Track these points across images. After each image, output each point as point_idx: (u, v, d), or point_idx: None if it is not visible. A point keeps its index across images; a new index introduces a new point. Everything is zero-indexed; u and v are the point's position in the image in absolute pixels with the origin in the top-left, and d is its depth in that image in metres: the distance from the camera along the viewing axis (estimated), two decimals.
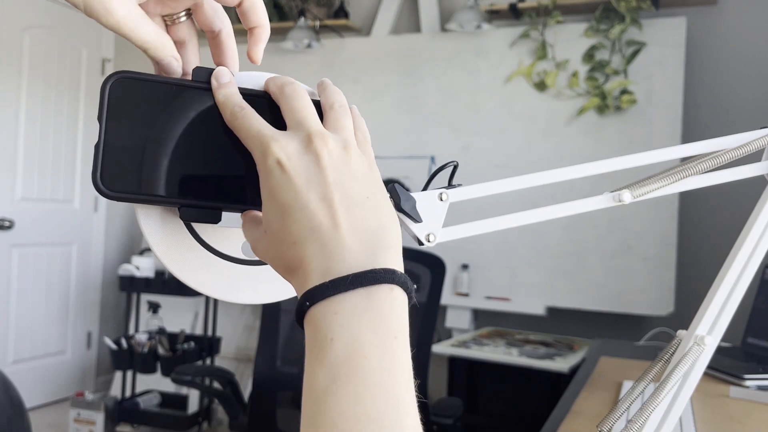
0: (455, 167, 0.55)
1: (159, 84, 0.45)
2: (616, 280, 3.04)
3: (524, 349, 2.74)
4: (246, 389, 3.20)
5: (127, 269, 3.62)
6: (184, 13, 0.51)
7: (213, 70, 0.47)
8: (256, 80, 0.49)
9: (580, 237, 3.10)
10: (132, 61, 4.06)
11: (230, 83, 0.47)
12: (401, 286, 0.40)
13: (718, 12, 3.07)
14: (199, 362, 3.49)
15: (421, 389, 2.16)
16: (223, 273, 0.50)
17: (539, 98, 3.23)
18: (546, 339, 2.98)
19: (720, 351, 1.73)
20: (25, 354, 3.72)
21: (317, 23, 3.62)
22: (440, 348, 2.70)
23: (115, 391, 3.64)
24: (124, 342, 3.44)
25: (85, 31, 4.04)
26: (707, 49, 3.08)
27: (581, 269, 3.10)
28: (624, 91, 3.05)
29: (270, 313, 2.17)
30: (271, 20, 3.85)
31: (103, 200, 4.10)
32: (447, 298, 3.23)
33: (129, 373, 3.56)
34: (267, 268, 0.51)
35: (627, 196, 0.56)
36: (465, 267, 3.26)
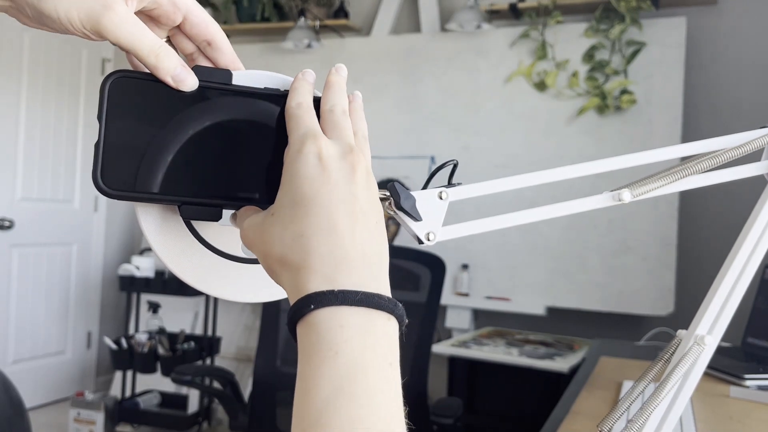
0: (455, 166, 0.55)
1: (159, 82, 0.45)
2: (616, 280, 3.04)
3: (524, 349, 2.74)
4: (246, 389, 3.20)
5: (127, 269, 3.62)
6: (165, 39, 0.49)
7: (212, 68, 0.47)
8: (258, 78, 0.49)
9: (580, 237, 3.10)
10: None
11: (310, 84, 0.48)
12: (398, 319, 0.41)
13: (718, 12, 3.07)
14: (199, 362, 3.49)
15: (421, 389, 2.17)
16: (224, 271, 0.50)
17: (539, 98, 3.23)
18: (546, 339, 2.98)
19: (720, 351, 1.73)
20: (25, 354, 3.72)
21: (317, 23, 3.62)
22: (440, 348, 2.70)
23: (115, 391, 3.64)
24: (124, 342, 3.44)
25: None
26: (707, 49, 3.08)
27: (581, 269, 3.10)
28: (624, 91, 3.05)
29: (270, 313, 2.17)
30: (271, 20, 3.87)
31: (103, 200, 4.09)
32: (447, 298, 3.23)
33: (129, 373, 3.55)
34: None
35: (627, 196, 0.56)
36: (465, 267, 3.26)
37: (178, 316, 3.76)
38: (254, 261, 0.51)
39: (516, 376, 2.66)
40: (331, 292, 0.39)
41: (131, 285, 3.63)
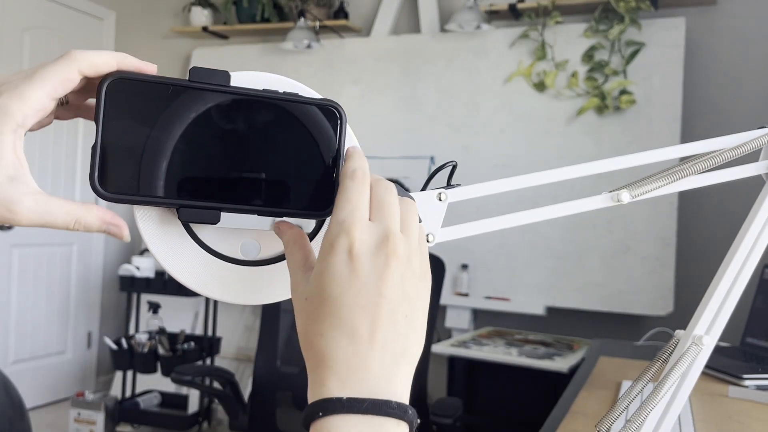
0: (454, 167, 0.55)
1: (156, 84, 0.45)
2: (616, 280, 3.04)
3: (524, 349, 2.74)
4: (246, 389, 3.20)
5: (127, 269, 3.62)
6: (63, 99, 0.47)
7: (211, 70, 0.47)
8: (257, 80, 0.49)
9: (579, 237, 3.10)
10: None
11: (360, 153, 0.48)
12: (408, 423, 0.42)
13: (717, 12, 3.08)
14: (199, 362, 3.49)
15: (421, 389, 2.17)
16: (223, 274, 0.50)
17: (539, 98, 3.23)
18: (545, 339, 2.98)
19: (719, 351, 1.73)
20: (26, 354, 3.72)
21: (317, 24, 3.63)
22: (440, 348, 2.71)
23: (116, 391, 3.64)
24: (124, 342, 3.44)
25: (85, 31, 4.05)
26: (706, 49, 3.08)
27: (581, 269, 3.11)
28: (623, 92, 3.05)
29: (270, 313, 2.17)
30: (270, 21, 3.88)
31: (102, 201, 4.09)
32: (447, 298, 3.23)
33: (129, 373, 3.56)
34: (266, 269, 0.51)
35: (626, 196, 0.56)
36: (464, 267, 3.27)
37: (178, 317, 3.77)
38: (253, 263, 0.51)
39: (515, 376, 2.66)
40: (339, 400, 0.40)
41: (131, 285, 3.63)
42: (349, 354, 0.41)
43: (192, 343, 3.47)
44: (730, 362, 1.58)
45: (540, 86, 3.22)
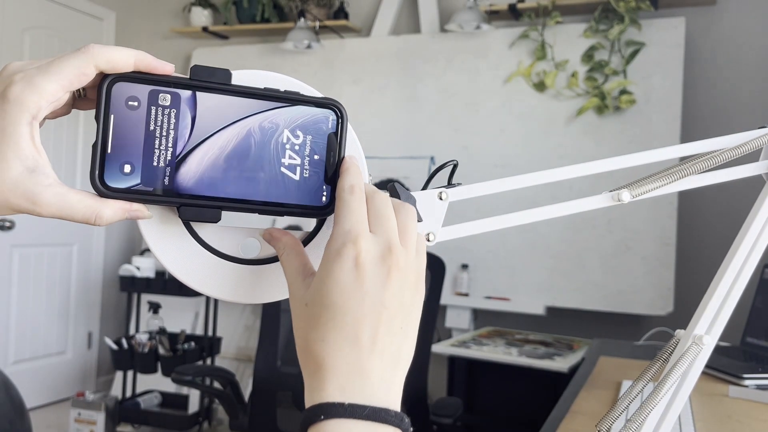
0: (455, 166, 0.55)
1: (156, 83, 0.45)
2: (616, 280, 3.04)
3: (524, 348, 2.74)
4: (246, 389, 3.21)
5: (127, 269, 3.62)
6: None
7: (212, 68, 0.47)
8: (258, 78, 0.49)
9: (579, 237, 3.10)
10: None
11: (360, 167, 0.49)
12: (403, 431, 0.43)
13: (717, 12, 3.08)
14: (200, 362, 3.49)
15: (421, 389, 2.17)
16: (223, 273, 0.50)
17: (538, 98, 3.23)
18: (545, 339, 2.98)
19: (719, 350, 1.73)
20: (26, 354, 3.72)
21: (317, 24, 3.63)
22: (440, 348, 2.71)
23: (116, 391, 3.64)
24: (124, 342, 3.44)
25: (85, 32, 4.05)
26: (706, 49, 3.08)
27: (581, 269, 3.11)
28: (623, 92, 3.05)
29: (270, 313, 2.17)
30: (270, 21, 3.88)
31: None
32: (447, 297, 3.23)
33: (129, 373, 3.56)
34: (267, 268, 0.51)
35: (626, 196, 0.56)
36: (465, 267, 3.27)
37: (178, 317, 3.77)
38: (254, 262, 0.51)
39: (516, 376, 2.66)
40: (341, 405, 0.41)
41: (132, 285, 3.63)
42: (351, 360, 0.42)
43: (192, 343, 3.47)
44: (730, 362, 1.58)
45: (540, 86, 3.22)
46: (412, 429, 0.43)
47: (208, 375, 2.60)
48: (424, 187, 0.55)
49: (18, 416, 1.06)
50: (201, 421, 3.46)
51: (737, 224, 0.63)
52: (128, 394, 3.54)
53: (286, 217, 0.54)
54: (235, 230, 0.50)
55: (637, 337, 2.37)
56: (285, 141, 0.47)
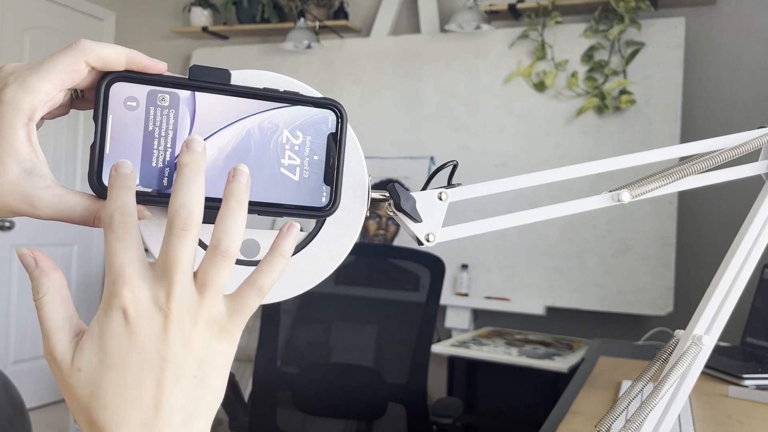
0: (455, 167, 0.55)
1: (155, 83, 0.45)
2: (616, 280, 3.04)
3: (524, 348, 2.74)
4: (246, 389, 3.20)
5: None
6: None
7: (211, 68, 0.47)
8: (257, 78, 0.49)
9: (579, 237, 3.10)
10: None
11: (127, 177, 0.41)
12: None
13: (717, 12, 3.08)
14: None
15: (421, 389, 2.17)
16: None
17: (538, 98, 3.23)
18: (545, 339, 2.98)
19: (719, 350, 1.73)
20: (26, 354, 3.72)
21: (317, 24, 3.63)
22: (440, 348, 2.71)
23: None
24: None
25: (85, 32, 4.04)
26: (706, 49, 3.08)
27: (581, 269, 3.11)
28: (623, 92, 3.05)
29: (270, 313, 2.17)
30: (270, 21, 3.88)
31: None
32: (446, 298, 3.23)
33: None
34: None
35: (626, 196, 0.56)
36: (464, 267, 3.27)
37: None
38: (253, 263, 0.50)
39: (515, 376, 2.66)
40: None
41: None
42: (137, 425, 0.39)
43: None
44: (730, 362, 1.58)
45: (540, 86, 3.22)
46: None
47: None
48: (424, 188, 0.55)
49: (18, 416, 1.06)
50: None
51: (737, 224, 0.63)
52: None
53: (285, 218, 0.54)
54: None
55: (637, 337, 2.37)
56: (284, 141, 0.47)
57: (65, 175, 3.91)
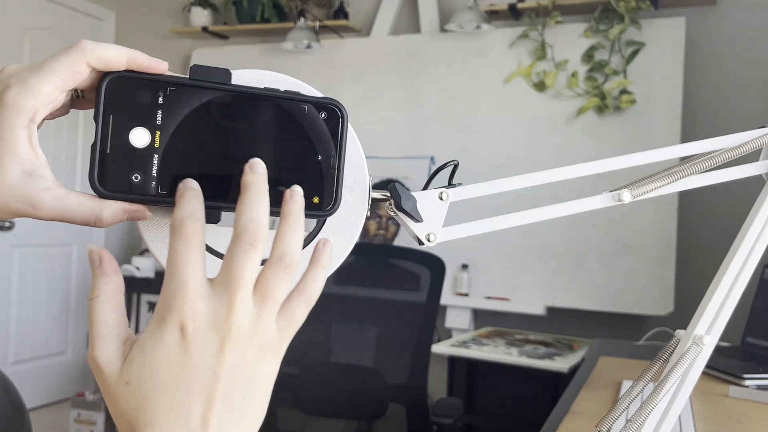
0: (455, 166, 0.55)
1: (156, 83, 0.45)
2: (616, 280, 3.04)
3: (524, 348, 2.74)
4: None
5: (127, 270, 3.62)
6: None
7: (212, 68, 0.46)
8: (257, 78, 0.49)
9: (579, 237, 3.10)
10: None
11: (197, 189, 0.43)
12: None
13: (717, 12, 3.08)
14: None
15: (421, 389, 2.17)
16: None
17: (539, 98, 3.23)
18: (546, 339, 2.98)
19: (719, 350, 1.73)
20: (26, 354, 3.72)
21: (317, 24, 3.63)
22: (440, 348, 2.71)
23: None
24: None
25: (85, 32, 4.04)
26: (706, 49, 3.08)
27: (581, 269, 3.11)
28: (623, 91, 3.05)
29: None
30: (270, 21, 3.87)
31: None
32: (447, 298, 3.23)
33: None
34: None
35: (627, 196, 0.56)
36: (465, 267, 3.27)
37: None
38: None
39: (516, 376, 2.66)
40: None
41: (131, 285, 3.63)
42: None
43: None
44: (731, 362, 1.58)
45: (540, 86, 3.22)
46: None
47: None
48: (425, 188, 0.55)
49: (18, 416, 1.06)
50: None
51: (738, 224, 0.63)
52: None
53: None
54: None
55: (637, 337, 2.37)
56: (284, 141, 0.47)
57: (65, 176, 3.91)
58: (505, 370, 2.63)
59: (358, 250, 2.42)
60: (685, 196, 2.98)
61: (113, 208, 0.44)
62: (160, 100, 0.45)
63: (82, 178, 3.98)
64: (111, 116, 0.44)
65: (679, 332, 0.59)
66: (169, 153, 0.45)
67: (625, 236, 3.03)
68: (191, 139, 0.46)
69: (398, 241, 3.38)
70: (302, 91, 0.48)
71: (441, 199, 0.54)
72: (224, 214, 0.47)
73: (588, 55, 3.13)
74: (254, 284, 0.40)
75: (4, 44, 3.58)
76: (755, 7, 3.02)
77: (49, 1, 3.81)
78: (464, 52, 3.38)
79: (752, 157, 0.62)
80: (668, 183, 0.57)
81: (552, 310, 3.19)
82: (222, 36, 3.97)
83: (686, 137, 3.00)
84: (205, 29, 3.88)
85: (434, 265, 2.15)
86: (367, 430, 2.15)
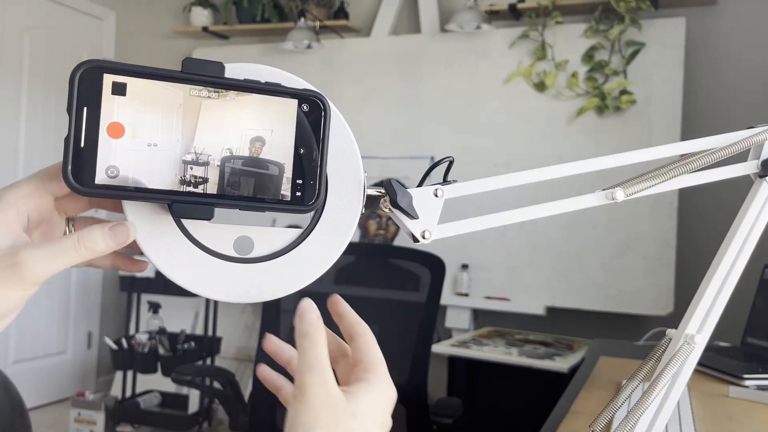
0: (451, 163, 0.55)
1: (146, 76, 0.44)
2: (616, 280, 3.04)
3: (524, 349, 2.74)
4: (246, 389, 3.20)
5: None
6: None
7: (204, 61, 0.45)
8: (252, 71, 0.48)
9: (579, 237, 3.10)
10: (134, 61, 4.06)
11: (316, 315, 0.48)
12: None
13: (717, 12, 3.07)
14: (200, 362, 3.49)
15: (421, 389, 2.16)
16: (216, 271, 0.49)
17: (539, 99, 3.23)
18: (545, 339, 2.98)
19: (719, 351, 1.73)
20: (26, 354, 3.72)
21: (317, 24, 3.63)
22: (440, 348, 2.70)
23: (116, 391, 3.64)
24: (124, 342, 3.44)
25: (85, 31, 4.05)
26: (706, 49, 3.08)
27: (581, 269, 3.10)
28: (623, 92, 3.05)
29: (270, 313, 2.17)
30: (271, 21, 3.88)
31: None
32: (447, 298, 3.23)
33: (129, 373, 3.56)
34: (260, 266, 0.50)
35: (620, 194, 0.56)
36: (465, 267, 3.26)
37: (178, 316, 3.77)
38: (247, 260, 0.50)
39: (516, 376, 2.66)
40: None
41: (132, 285, 3.63)
42: None
43: (192, 343, 3.47)
44: (731, 362, 1.58)
45: (540, 86, 3.22)
46: None
47: (208, 375, 2.60)
48: (420, 185, 0.55)
49: (18, 416, 1.06)
50: (201, 421, 3.46)
51: None
52: (128, 394, 3.54)
53: (287, 215, 0.54)
54: (227, 227, 0.49)
55: (637, 338, 2.37)
56: (266, 135, 0.46)
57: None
58: (505, 370, 2.63)
59: (358, 250, 2.42)
60: (684, 197, 2.98)
61: (96, 230, 0.45)
62: (137, 92, 0.44)
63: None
64: (84, 108, 0.43)
65: (671, 331, 0.59)
66: (145, 146, 0.44)
67: (625, 236, 3.03)
68: (169, 133, 0.44)
69: (398, 241, 3.38)
70: (286, 83, 0.47)
71: (436, 195, 0.54)
72: (217, 211, 0.47)
73: (588, 56, 3.13)
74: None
75: (4, 44, 3.58)
76: (755, 8, 3.02)
77: (49, 1, 3.81)
78: (464, 52, 3.38)
79: (746, 156, 0.62)
80: (660, 182, 0.57)
81: (552, 310, 3.19)
82: (222, 36, 3.97)
83: (686, 137, 2.99)
84: (205, 29, 3.88)
85: (434, 265, 2.15)
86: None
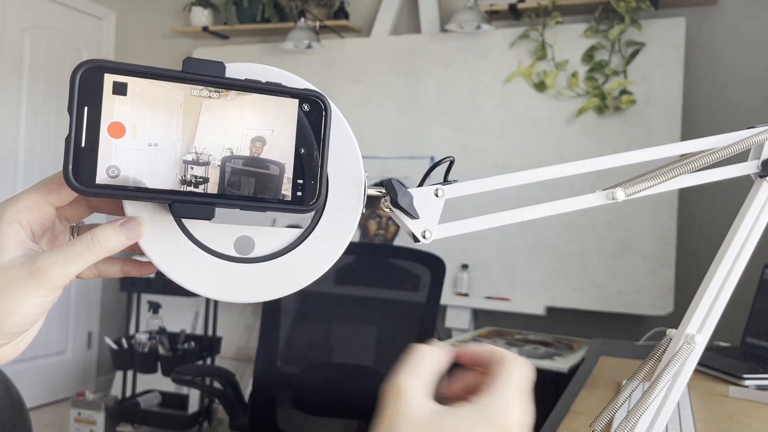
0: (451, 163, 0.55)
1: (146, 76, 0.44)
2: (616, 280, 3.04)
3: (524, 348, 2.74)
4: (246, 389, 3.20)
5: None
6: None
7: (205, 61, 0.45)
8: (252, 71, 0.48)
9: (579, 237, 3.10)
10: (134, 61, 4.06)
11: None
12: None
13: (717, 12, 3.07)
14: (200, 362, 3.49)
15: None
16: (216, 271, 0.49)
17: (539, 99, 3.23)
18: (545, 339, 2.98)
19: (719, 351, 1.73)
20: (26, 354, 3.72)
21: (317, 24, 3.63)
22: None
23: (116, 390, 3.64)
24: (124, 342, 3.44)
25: (85, 31, 4.05)
26: (706, 49, 3.08)
27: (581, 269, 3.10)
28: (623, 92, 3.05)
29: (270, 313, 2.17)
30: (271, 21, 3.88)
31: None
32: (447, 298, 3.23)
33: (129, 373, 3.56)
34: (260, 266, 0.50)
35: (620, 194, 0.56)
36: (465, 267, 3.26)
37: (178, 316, 3.77)
38: (247, 260, 0.50)
39: None
40: None
41: (132, 285, 3.63)
42: None
43: (192, 343, 3.47)
44: (731, 362, 1.58)
45: (540, 86, 3.22)
46: None
47: (208, 375, 2.60)
48: (420, 185, 0.55)
49: (18, 416, 1.06)
50: (201, 421, 3.46)
51: None
52: (128, 393, 3.54)
53: (287, 215, 0.54)
54: (228, 227, 0.49)
55: (637, 338, 2.37)
56: (267, 134, 0.46)
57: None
58: None
59: (358, 250, 2.42)
60: (685, 197, 2.98)
61: (106, 228, 0.45)
62: (138, 92, 0.44)
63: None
64: (85, 108, 0.43)
65: (671, 331, 0.59)
66: (146, 146, 0.44)
67: (625, 236, 3.03)
68: (170, 133, 0.44)
69: (398, 241, 3.38)
70: (285, 83, 0.47)
71: (437, 195, 0.54)
72: (217, 211, 0.47)
73: (588, 56, 3.13)
74: None
75: (4, 44, 3.58)
76: (755, 7, 3.02)
77: (49, 1, 3.81)
78: (464, 52, 3.38)
79: (746, 156, 0.62)
80: (660, 182, 0.57)
81: (552, 310, 3.19)
82: (222, 36, 3.97)
83: (686, 137, 2.99)
84: (205, 29, 3.88)
85: (434, 265, 2.15)
86: (367, 430, 2.15)
